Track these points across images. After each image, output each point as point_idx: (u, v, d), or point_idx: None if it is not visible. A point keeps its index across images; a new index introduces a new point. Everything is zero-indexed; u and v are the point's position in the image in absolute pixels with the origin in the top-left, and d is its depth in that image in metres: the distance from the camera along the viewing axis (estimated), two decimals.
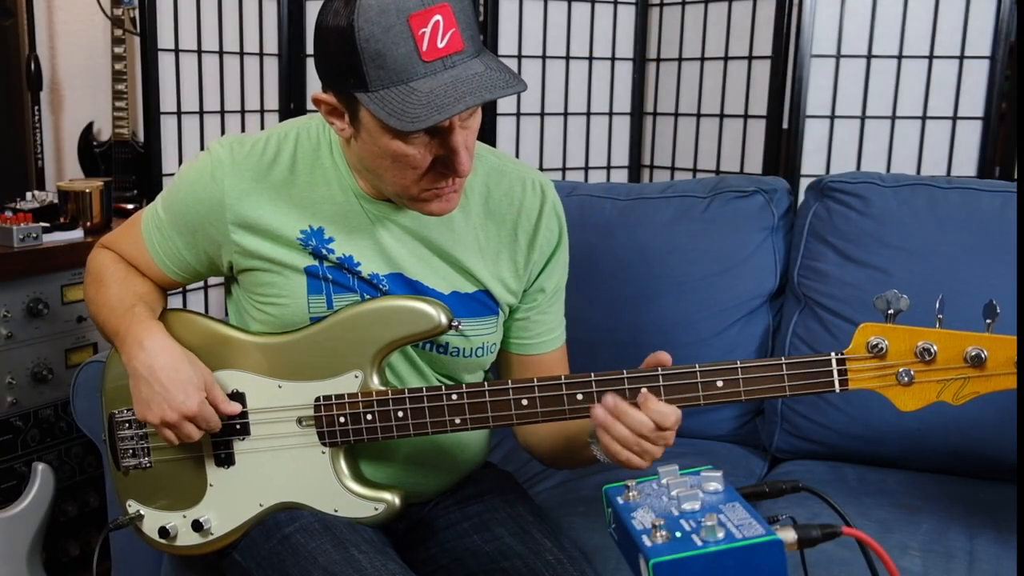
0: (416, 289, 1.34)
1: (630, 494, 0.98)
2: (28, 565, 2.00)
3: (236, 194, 1.31)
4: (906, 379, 1.12)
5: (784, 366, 1.16)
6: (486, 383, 1.26)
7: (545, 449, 1.44)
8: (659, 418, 1.16)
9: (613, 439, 1.17)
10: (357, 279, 1.33)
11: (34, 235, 2.06)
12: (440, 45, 1.11)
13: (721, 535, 0.87)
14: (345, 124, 1.22)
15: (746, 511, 0.92)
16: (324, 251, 1.32)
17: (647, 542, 0.88)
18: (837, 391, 1.15)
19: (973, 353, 1.09)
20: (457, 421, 1.26)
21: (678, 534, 0.89)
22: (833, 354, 1.15)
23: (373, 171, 1.25)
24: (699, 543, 0.87)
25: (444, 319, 1.28)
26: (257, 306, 1.35)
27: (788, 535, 0.92)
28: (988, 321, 1.08)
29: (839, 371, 1.15)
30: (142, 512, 1.41)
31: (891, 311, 1.11)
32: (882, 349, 1.12)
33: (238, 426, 1.34)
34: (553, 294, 1.44)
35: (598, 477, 1.75)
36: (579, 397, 1.22)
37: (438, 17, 1.10)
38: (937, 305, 1.10)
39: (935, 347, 1.10)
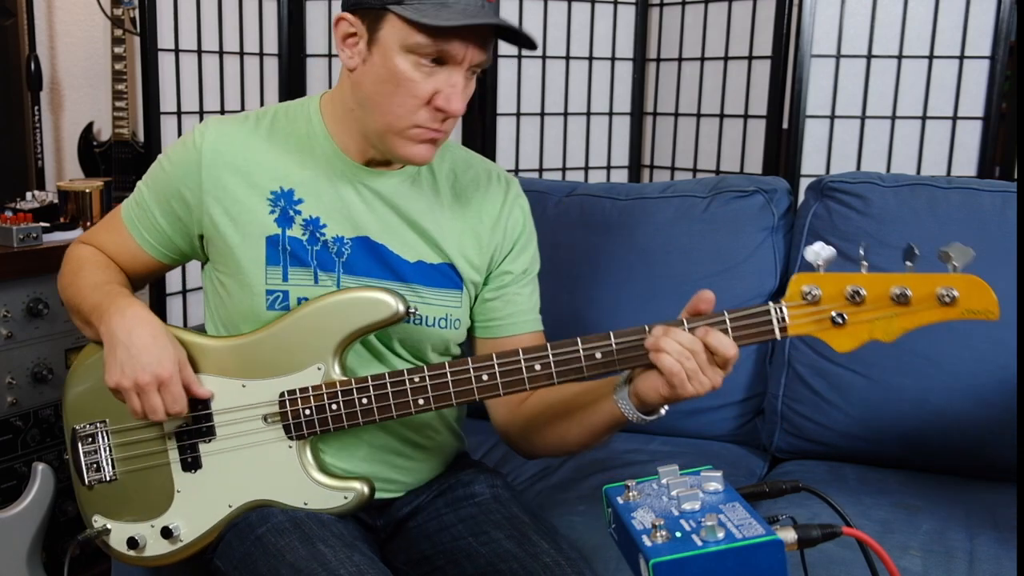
0: (380, 254, 1.37)
1: (630, 494, 0.98)
2: (28, 565, 1.99)
3: (212, 156, 1.36)
4: (840, 321, 1.18)
5: (728, 320, 1.21)
6: (447, 363, 1.28)
7: (552, 422, 1.39)
8: (718, 346, 1.17)
9: (664, 352, 1.17)
10: (319, 246, 1.35)
11: (34, 235, 2.06)
12: None
13: (721, 535, 0.87)
14: (356, 50, 1.28)
15: (746, 511, 0.92)
16: (291, 212, 1.35)
17: (647, 542, 0.88)
18: (778, 337, 1.21)
19: (898, 292, 1.16)
20: (420, 402, 1.28)
21: (678, 534, 0.89)
22: (771, 304, 1.21)
23: (371, 101, 1.29)
24: (699, 543, 0.87)
25: (401, 307, 1.31)
26: (220, 279, 1.39)
27: (788, 535, 0.92)
28: (908, 263, 1.16)
29: (778, 319, 1.21)
30: (109, 526, 1.41)
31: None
32: (816, 296, 1.19)
33: (203, 428, 1.35)
34: (522, 276, 1.47)
35: (598, 477, 1.75)
36: (537, 367, 1.25)
37: None
38: (861, 252, 1.18)
39: (864, 289, 1.17)
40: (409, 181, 1.39)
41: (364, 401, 1.29)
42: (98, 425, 1.41)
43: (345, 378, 1.31)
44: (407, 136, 1.29)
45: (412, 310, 1.32)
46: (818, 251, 1.17)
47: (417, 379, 1.28)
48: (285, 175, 1.36)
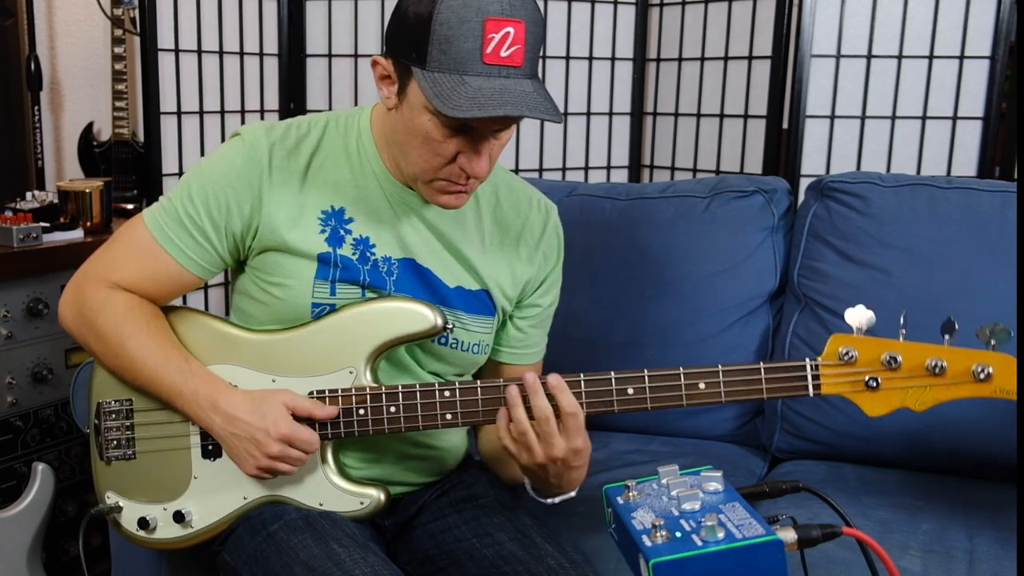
0: (425, 277, 1.37)
1: (630, 494, 0.98)
2: (28, 565, 1.99)
3: (270, 172, 1.33)
4: (874, 385, 1.20)
5: (763, 370, 1.23)
6: (478, 380, 1.29)
7: (488, 450, 1.49)
8: (564, 406, 1.21)
9: (507, 420, 1.24)
10: (367, 269, 1.35)
11: (34, 235, 2.06)
12: (503, 54, 1.17)
13: (721, 535, 0.87)
14: (391, 93, 1.27)
15: (746, 511, 0.92)
16: (342, 231, 1.35)
17: (647, 542, 0.88)
18: (811, 395, 1.22)
19: (934, 364, 1.17)
20: (448, 417, 1.29)
21: (678, 534, 0.89)
22: (808, 360, 1.22)
23: (401, 146, 1.29)
24: (699, 543, 0.87)
25: (440, 321, 1.31)
26: (262, 287, 1.37)
27: (788, 535, 0.92)
28: (946, 336, 1.17)
29: (813, 376, 1.21)
30: (121, 503, 1.41)
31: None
32: (852, 357, 1.19)
33: None
34: (547, 310, 1.50)
35: (598, 477, 1.74)
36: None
37: (510, 29, 1.16)
38: (901, 320, 1.18)
39: (900, 357, 1.18)
40: None
41: (392, 410, 1.30)
42: (124, 403, 1.40)
43: (376, 384, 1.32)
44: (433, 187, 1.29)
45: (450, 326, 1.33)
46: (859, 314, 1.18)
47: (447, 394, 1.29)
48: (335, 193, 1.35)
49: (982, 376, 1.16)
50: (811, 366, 1.21)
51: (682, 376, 1.24)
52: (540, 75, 2.52)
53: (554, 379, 1.23)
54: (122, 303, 1.36)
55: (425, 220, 1.37)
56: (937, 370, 1.17)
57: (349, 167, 1.36)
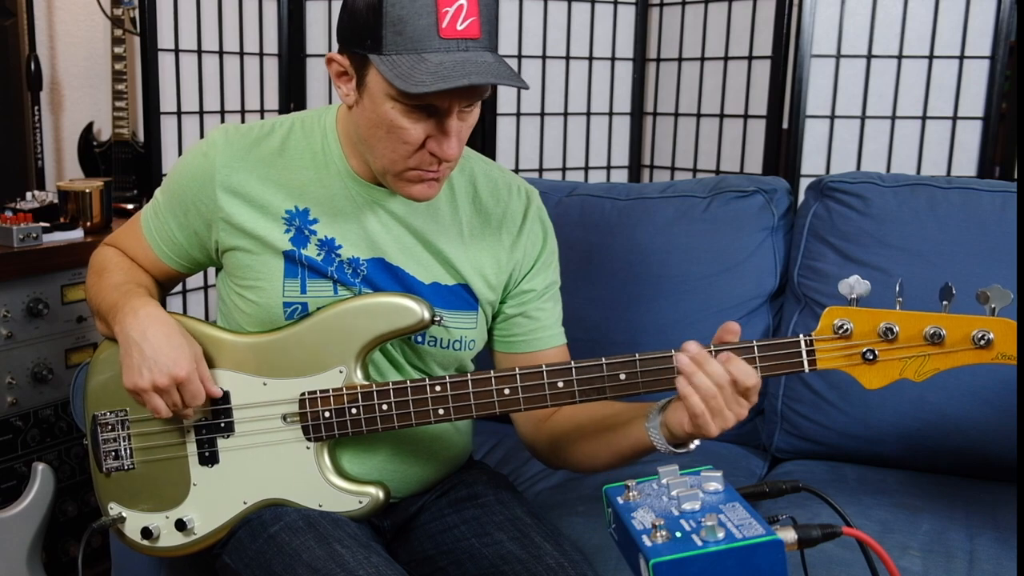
0: (396, 275, 1.36)
1: (630, 494, 0.98)
2: (28, 565, 1.99)
3: (226, 171, 1.34)
4: (871, 357, 1.17)
5: (756, 348, 1.20)
6: (468, 374, 1.28)
7: (581, 441, 1.37)
8: (740, 375, 1.14)
9: (695, 389, 1.15)
10: (335, 266, 1.34)
11: (34, 235, 2.06)
12: (459, 27, 1.15)
13: (721, 535, 0.87)
14: (351, 89, 1.25)
15: (746, 511, 0.92)
16: (307, 232, 1.34)
17: (647, 542, 0.88)
18: (806, 371, 1.19)
19: (932, 331, 1.14)
20: (440, 412, 1.28)
21: (678, 534, 0.89)
22: (802, 336, 1.19)
23: (367, 142, 1.27)
24: (699, 543, 0.87)
25: (427, 314, 1.30)
26: (237, 291, 1.38)
27: (788, 535, 0.92)
28: (944, 303, 1.14)
29: (808, 352, 1.19)
30: (124, 514, 1.41)
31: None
32: (847, 330, 1.17)
33: (222, 424, 1.35)
34: (544, 292, 1.46)
35: (598, 477, 1.74)
36: (560, 384, 1.24)
37: (463, 1, 1.15)
38: (897, 289, 1.16)
39: (897, 327, 1.15)
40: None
41: (384, 407, 1.29)
42: (119, 414, 1.41)
43: (367, 382, 1.31)
44: (404, 178, 1.27)
45: (438, 319, 1.32)
46: (852, 284, 1.15)
47: (438, 388, 1.28)
48: (300, 194, 1.35)
49: (982, 342, 1.13)
50: (805, 341, 1.19)
51: (674, 358, 1.21)
52: (541, 74, 2.53)
53: (725, 355, 1.16)
54: (112, 252, 1.50)
55: (395, 216, 1.36)
56: (936, 339, 1.14)
57: (314, 167, 1.35)
